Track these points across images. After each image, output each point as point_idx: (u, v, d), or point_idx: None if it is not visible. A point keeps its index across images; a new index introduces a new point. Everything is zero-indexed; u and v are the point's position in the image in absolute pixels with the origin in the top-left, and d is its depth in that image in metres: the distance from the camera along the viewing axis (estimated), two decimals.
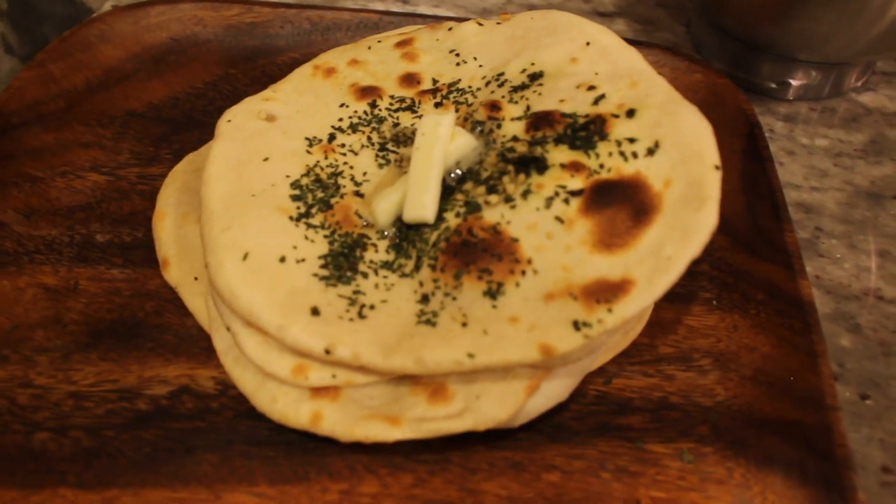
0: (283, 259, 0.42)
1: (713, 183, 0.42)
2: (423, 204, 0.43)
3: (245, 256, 0.41)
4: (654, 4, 0.83)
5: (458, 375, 0.41)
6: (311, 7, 0.70)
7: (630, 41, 0.55)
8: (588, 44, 0.49)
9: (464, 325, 0.40)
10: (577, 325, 0.39)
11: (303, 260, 0.42)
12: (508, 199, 0.42)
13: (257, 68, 0.67)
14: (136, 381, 0.46)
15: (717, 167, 0.42)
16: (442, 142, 0.44)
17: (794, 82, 0.70)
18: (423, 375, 0.40)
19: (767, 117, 0.69)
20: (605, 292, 0.39)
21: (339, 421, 0.40)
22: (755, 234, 0.53)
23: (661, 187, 0.42)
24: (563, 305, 0.40)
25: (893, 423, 0.48)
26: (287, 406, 0.41)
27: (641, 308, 0.39)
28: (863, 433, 0.48)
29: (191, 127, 0.62)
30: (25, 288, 0.50)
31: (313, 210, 0.44)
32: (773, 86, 0.71)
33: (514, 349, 0.39)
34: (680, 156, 0.43)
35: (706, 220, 0.41)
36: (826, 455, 0.42)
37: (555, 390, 0.43)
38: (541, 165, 0.43)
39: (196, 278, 0.50)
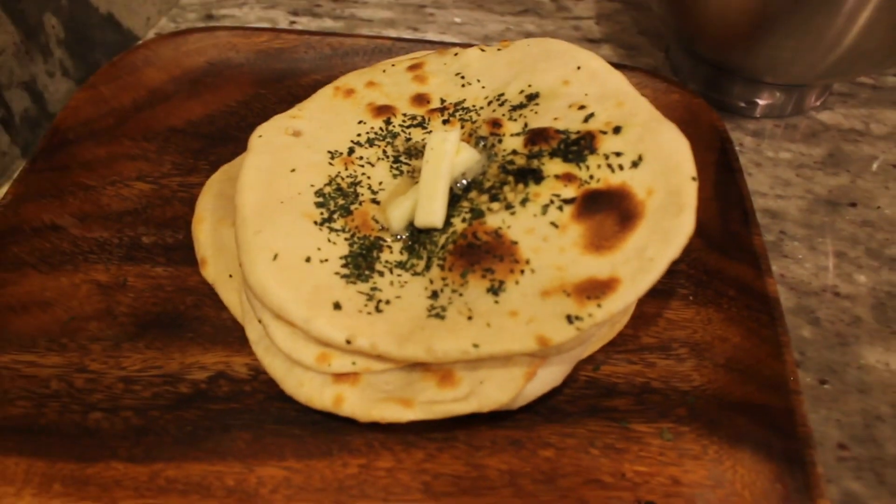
0: (308, 259, 0.42)
1: (690, 192, 0.42)
2: (432, 211, 0.43)
3: (275, 257, 0.41)
4: (636, 32, 0.83)
5: (465, 363, 0.41)
6: (332, 34, 0.69)
7: (615, 65, 0.55)
8: (579, 68, 0.49)
9: (469, 318, 0.40)
10: (570, 319, 0.39)
11: (326, 260, 0.42)
12: (509, 207, 0.42)
13: (283, 89, 0.67)
14: (178, 368, 0.46)
15: (693, 178, 0.42)
16: (449, 155, 0.44)
17: (760, 102, 0.70)
18: (433, 363, 0.40)
19: (737, 133, 0.69)
20: (595, 290, 0.39)
21: (359, 403, 0.40)
22: (727, 237, 0.53)
23: (644, 196, 0.42)
24: (557, 301, 0.40)
25: (849, 406, 0.48)
26: (312, 390, 0.41)
27: (627, 304, 0.39)
28: (821, 414, 0.48)
29: (226, 141, 0.62)
30: (80, 284, 0.50)
31: (335, 215, 0.44)
32: (743, 105, 0.71)
33: (514, 340, 0.39)
34: (661, 168, 0.43)
35: (684, 225, 0.41)
36: (789, 434, 0.42)
37: (550, 376, 0.43)
38: (537, 176, 0.43)
39: (231, 276, 0.50)
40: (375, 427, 0.42)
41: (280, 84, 0.67)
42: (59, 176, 0.56)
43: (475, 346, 0.38)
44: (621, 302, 0.39)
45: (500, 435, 0.43)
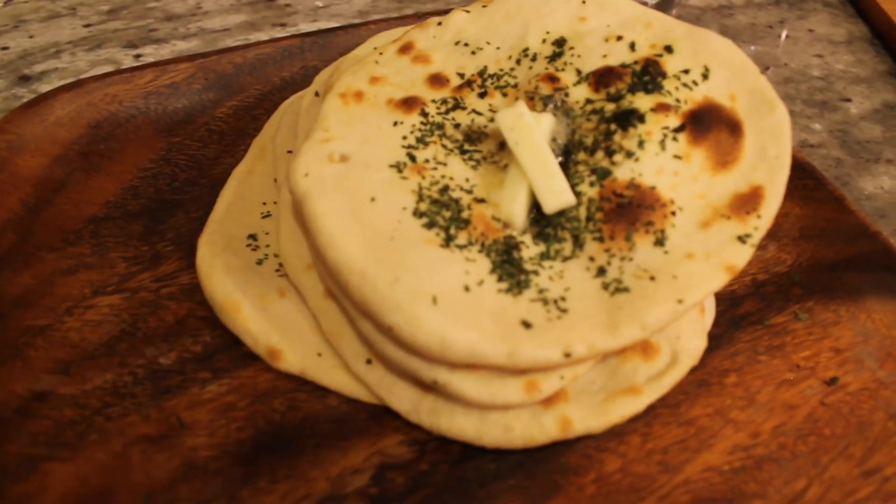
0: (467, 288, 0.35)
1: (768, 86, 0.42)
2: (559, 191, 0.38)
3: (434, 300, 0.34)
4: None
5: None
6: (228, 50, 0.58)
7: None
8: (584, 1, 0.46)
9: (652, 278, 0.37)
10: (742, 239, 0.38)
11: (482, 282, 0.35)
12: (629, 154, 0.39)
13: (200, 128, 0.54)
14: (328, 486, 0.36)
15: (760, 72, 0.43)
16: (535, 128, 0.39)
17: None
18: (647, 337, 0.37)
19: None
20: (747, 203, 0.39)
21: (587, 415, 0.36)
22: None
23: (730, 103, 0.42)
24: (720, 227, 0.38)
25: None
26: (527, 427, 0.35)
27: (779, 205, 0.39)
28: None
29: (171, 209, 0.49)
30: (125, 450, 0.37)
31: (451, 231, 0.37)
32: None
33: (708, 280, 0.37)
34: (730, 73, 0.42)
35: (783, 117, 0.41)
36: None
37: (709, 304, 0.42)
38: (639, 115, 0.40)
39: (319, 354, 0.40)
40: (575, 439, 0.38)
41: (192, 124, 0.55)
42: None
43: (680, 301, 0.36)
44: (774, 206, 0.39)
45: (686, 384, 0.41)
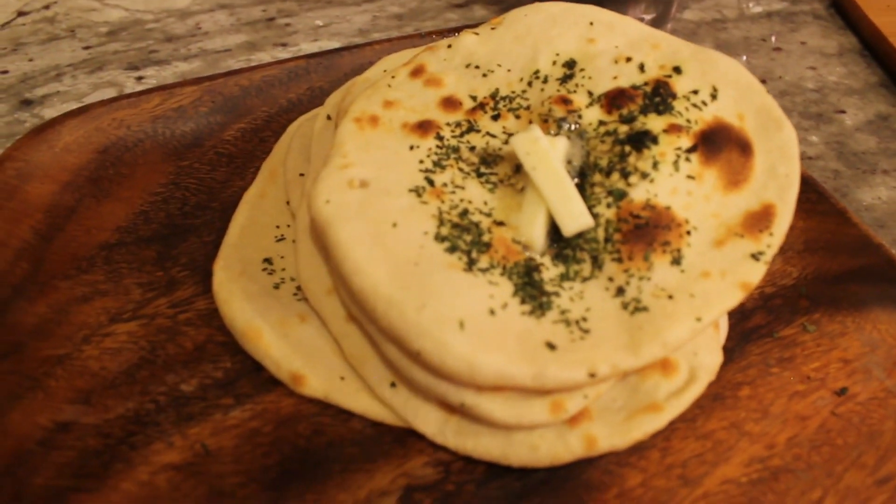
0: (492, 312, 0.36)
1: (774, 105, 0.43)
2: (577, 214, 0.39)
3: (461, 325, 0.34)
4: None
5: None
6: (235, 73, 0.58)
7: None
8: (591, 24, 0.47)
9: (670, 297, 0.38)
10: (755, 257, 0.39)
11: (506, 305, 0.36)
12: (644, 175, 0.40)
13: (209, 151, 0.55)
14: None
15: (766, 91, 0.44)
16: (550, 152, 0.40)
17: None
18: (667, 355, 0.37)
19: None
20: (759, 221, 0.40)
21: (611, 433, 0.36)
22: None
23: (739, 122, 0.43)
24: (734, 245, 0.39)
25: None
26: (553, 446, 0.36)
27: (790, 222, 0.40)
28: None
29: (184, 234, 0.49)
30: (151, 478, 0.37)
31: (473, 254, 0.38)
32: None
33: (724, 298, 0.38)
34: (737, 93, 0.44)
35: (790, 135, 0.42)
36: None
37: (723, 321, 0.43)
38: (652, 136, 0.41)
39: (342, 378, 0.40)
40: (597, 456, 0.39)
41: (201, 148, 0.55)
42: (14, 363, 0.40)
43: (698, 319, 0.37)
44: (785, 223, 0.40)
45: (701, 398, 0.42)
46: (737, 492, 0.39)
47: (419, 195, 0.40)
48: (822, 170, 0.61)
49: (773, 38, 0.76)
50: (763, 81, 0.70)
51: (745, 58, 0.73)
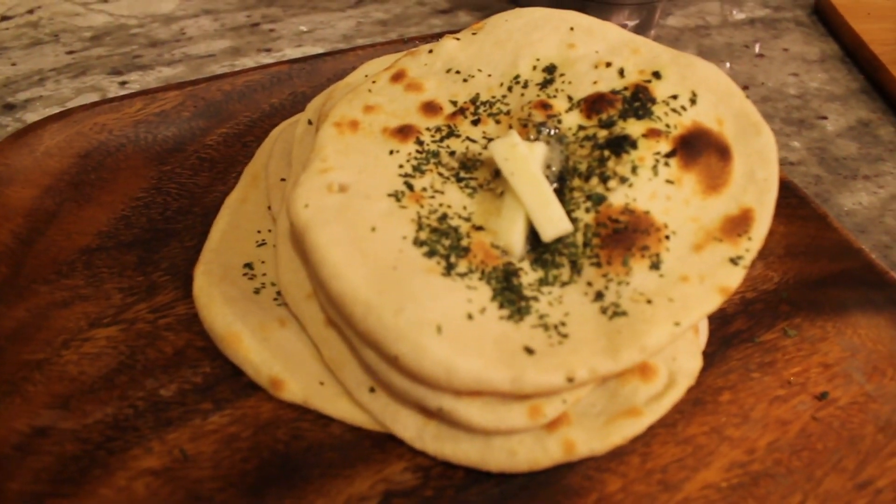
0: (470, 316, 0.36)
1: (753, 110, 0.44)
2: (556, 219, 0.39)
3: (438, 329, 0.34)
4: None
5: None
6: (217, 77, 0.58)
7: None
8: (572, 29, 0.48)
9: (649, 301, 0.38)
10: (734, 261, 0.39)
11: (484, 309, 0.36)
12: (623, 180, 0.41)
13: (191, 156, 0.55)
14: None
15: (745, 96, 0.45)
16: (529, 157, 0.40)
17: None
18: (646, 359, 0.38)
19: None
20: (737, 225, 0.40)
21: (590, 437, 0.37)
22: None
23: (718, 127, 0.43)
24: (713, 250, 0.40)
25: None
26: (531, 451, 0.36)
27: (768, 226, 0.41)
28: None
29: (165, 239, 0.49)
30: (130, 484, 0.37)
31: (452, 259, 0.38)
32: None
33: (703, 302, 0.38)
34: (716, 98, 0.44)
35: (769, 140, 0.43)
36: (880, 283, 0.48)
37: (703, 325, 0.43)
38: (631, 141, 0.42)
39: (322, 383, 0.41)
40: (577, 461, 0.39)
41: (183, 152, 0.55)
42: None
43: (677, 324, 0.37)
44: (764, 227, 0.40)
45: (682, 403, 0.43)
46: (717, 497, 0.39)
47: (398, 200, 0.40)
48: (803, 175, 0.62)
49: (756, 45, 0.77)
50: (746, 87, 0.71)
51: (728, 64, 0.74)
